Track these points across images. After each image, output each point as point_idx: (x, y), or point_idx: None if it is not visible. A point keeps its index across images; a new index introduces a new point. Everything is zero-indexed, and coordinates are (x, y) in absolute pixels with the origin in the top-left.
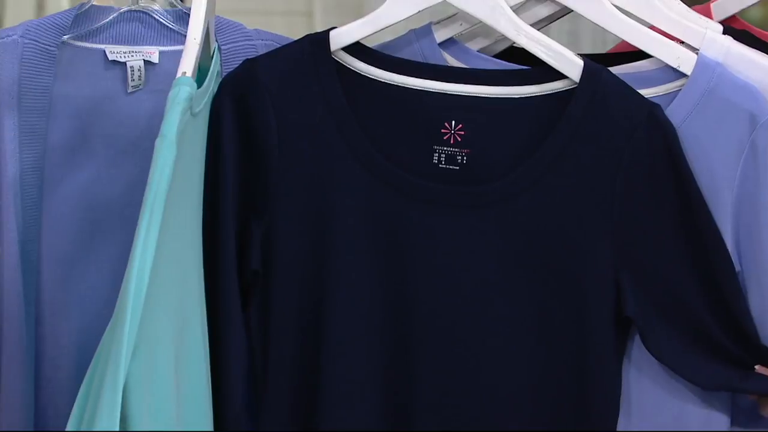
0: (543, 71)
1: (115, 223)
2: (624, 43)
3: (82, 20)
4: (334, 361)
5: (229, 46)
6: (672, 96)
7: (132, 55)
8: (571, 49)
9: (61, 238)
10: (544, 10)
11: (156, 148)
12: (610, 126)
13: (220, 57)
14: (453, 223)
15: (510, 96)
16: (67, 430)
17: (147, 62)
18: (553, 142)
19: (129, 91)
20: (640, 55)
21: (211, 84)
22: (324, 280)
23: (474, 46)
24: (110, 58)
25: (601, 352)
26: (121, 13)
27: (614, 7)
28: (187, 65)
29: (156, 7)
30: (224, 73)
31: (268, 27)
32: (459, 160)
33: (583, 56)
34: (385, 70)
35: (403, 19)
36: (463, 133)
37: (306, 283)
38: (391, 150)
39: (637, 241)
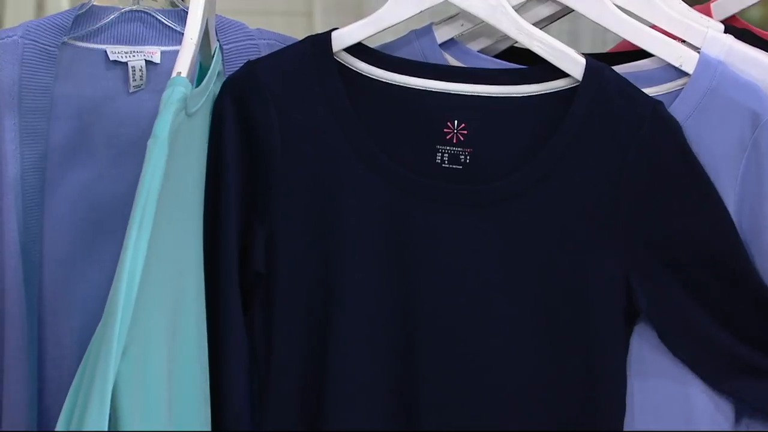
0: (545, 70)
1: (116, 223)
2: (624, 42)
3: (82, 20)
4: (340, 361)
5: (231, 45)
6: (674, 95)
7: (133, 55)
8: None
9: (62, 239)
10: (545, 10)
11: (148, 149)
12: (614, 123)
13: (222, 56)
14: (457, 222)
15: (512, 95)
16: (56, 430)
17: (148, 62)
18: (557, 140)
19: (130, 91)
20: (640, 54)
21: (210, 84)
22: (329, 280)
23: (475, 45)
24: (111, 59)
25: (607, 351)
26: (122, 13)
27: (615, 7)
28: (183, 65)
29: (157, 6)
30: (226, 73)
31: (268, 27)
32: (462, 160)
33: (585, 55)
34: (387, 70)
35: (405, 20)
36: (465, 132)
37: (311, 284)
38: (394, 150)
39: (648, 238)
